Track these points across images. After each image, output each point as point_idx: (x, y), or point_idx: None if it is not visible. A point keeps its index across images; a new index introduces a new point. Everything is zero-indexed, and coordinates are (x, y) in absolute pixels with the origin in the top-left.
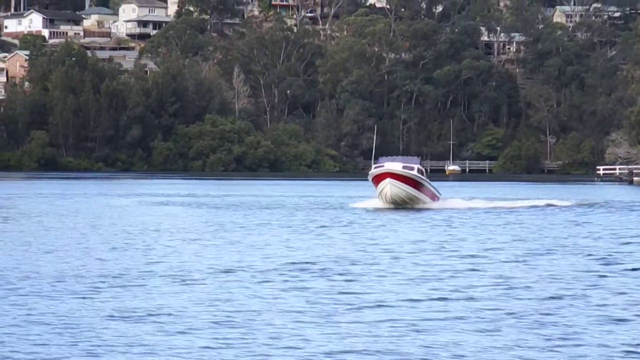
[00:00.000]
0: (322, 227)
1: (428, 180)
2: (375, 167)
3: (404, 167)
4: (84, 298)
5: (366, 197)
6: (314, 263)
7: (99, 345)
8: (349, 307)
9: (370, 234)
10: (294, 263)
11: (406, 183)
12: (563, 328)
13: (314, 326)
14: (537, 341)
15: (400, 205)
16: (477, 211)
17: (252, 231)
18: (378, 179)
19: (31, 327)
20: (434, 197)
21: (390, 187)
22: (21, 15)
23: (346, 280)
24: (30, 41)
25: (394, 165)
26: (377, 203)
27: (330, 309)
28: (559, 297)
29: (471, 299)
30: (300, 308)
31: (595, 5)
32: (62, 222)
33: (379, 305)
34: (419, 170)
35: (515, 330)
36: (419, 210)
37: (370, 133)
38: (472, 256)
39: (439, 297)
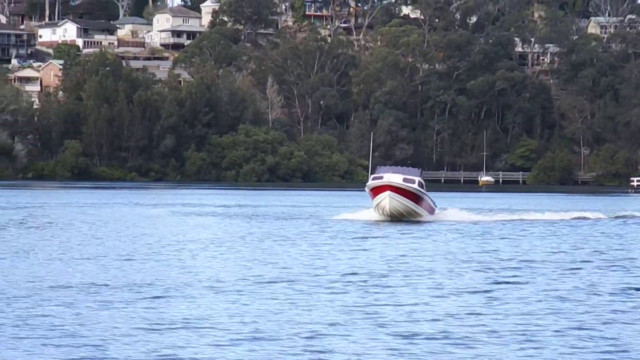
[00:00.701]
0: (363, 238)
1: (427, 193)
2: (374, 178)
3: (404, 180)
4: (117, 309)
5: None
6: (355, 274)
7: (134, 357)
8: (399, 319)
9: (397, 247)
10: (331, 274)
11: (406, 197)
12: (609, 342)
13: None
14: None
15: (397, 218)
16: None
17: (287, 242)
18: (377, 191)
19: (64, 339)
20: (432, 210)
21: (389, 200)
22: (55, 25)
23: (389, 294)
24: (64, 50)
25: (394, 177)
26: (370, 215)
27: (376, 321)
28: (602, 311)
29: (514, 312)
30: (345, 320)
31: (629, 16)
32: (95, 232)
33: (434, 320)
34: (419, 184)
35: (559, 345)
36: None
37: (404, 144)
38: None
39: (485, 310)
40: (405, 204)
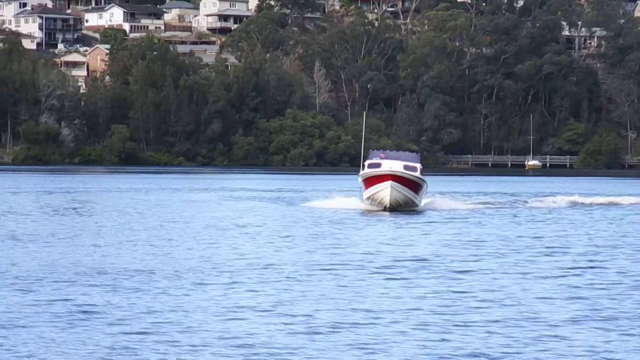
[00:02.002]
0: (428, 222)
1: (426, 180)
2: (370, 166)
3: (405, 168)
4: (174, 295)
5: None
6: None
7: (203, 343)
8: (472, 305)
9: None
10: (391, 259)
11: (408, 187)
12: None
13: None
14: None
15: (392, 210)
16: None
17: (338, 225)
18: (375, 180)
19: (121, 326)
20: (423, 198)
21: (391, 191)
22: (102, 9)
23: (455, 279)
24: (111, 35)
25: (395, 165)
26: (349, 204)
27: (443, 307)
28: None
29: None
30: (412, 306)
31: None
32: (143, 217)
33: (504, 305)
34: (420, 170)
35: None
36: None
37: (451, 127)
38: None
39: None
40: (406, 195)
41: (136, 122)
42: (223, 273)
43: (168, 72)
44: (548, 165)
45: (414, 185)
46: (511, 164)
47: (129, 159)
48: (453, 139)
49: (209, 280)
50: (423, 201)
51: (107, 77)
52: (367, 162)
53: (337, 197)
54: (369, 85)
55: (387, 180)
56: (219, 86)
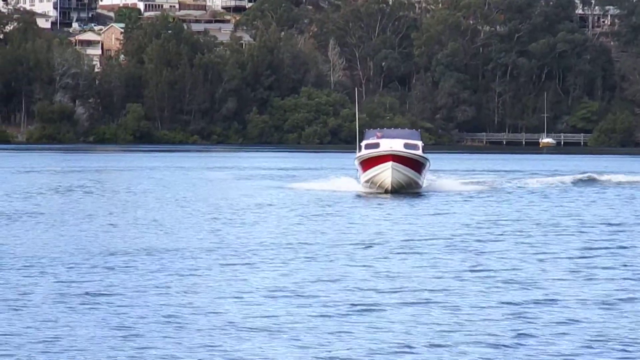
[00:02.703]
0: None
1: (428, 159)
2: (368, 146)
3: (406, 146)
4: (196, 275)
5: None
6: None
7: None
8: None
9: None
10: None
11: (410, 166)
12: None
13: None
14: None
15: (393, 192)
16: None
17: (359, 204)
18: (374, 161)
19: (127, 308)
20: (425, 178)
21: (392, 172)
22: None
23: (498, 258)
24: (125, 14)
25: (395, 143)
26: (345, 186)
27: (496, 285)
28: None
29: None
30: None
31: None
32: (159, 196)
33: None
34: (422, 148)
35: None
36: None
37: (466, 105)
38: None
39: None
40: (409, 175)
41: (151, 100)
42: (232, 255)
43: (183, 50)
44: (562, 143)
45: (417, 165)
46: (525, 142)
47: (143, 138)
48: (467, 117)
49: (220, 261)
50: (426, 181)
51: (122, 56)
52: (363, 143)
53: (333, 178)
54: (383, 64)
55: (388, 160)
56: (233, 64)
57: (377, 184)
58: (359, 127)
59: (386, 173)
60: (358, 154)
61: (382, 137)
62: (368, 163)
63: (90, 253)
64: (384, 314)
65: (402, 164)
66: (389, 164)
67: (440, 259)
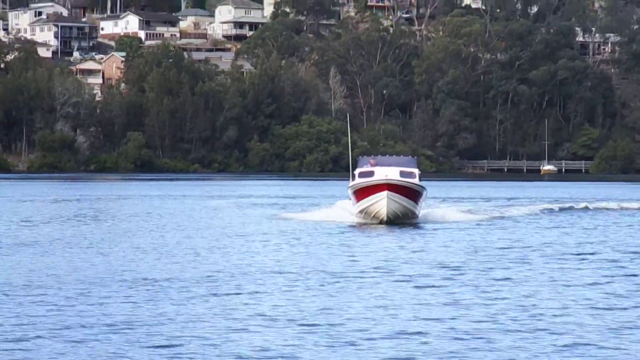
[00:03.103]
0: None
1: (425, 187)
2: (361, 175)
3: (402, 174)
4: (184, 305)
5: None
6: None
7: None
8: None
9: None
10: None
11: (406, 196)
12: None
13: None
14: None
15: (389, 222)
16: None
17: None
18: (369, 191)
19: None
20: (422, 207)
21: (387, 202)
22: (117, 17)
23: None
24: (126, 43)
25: (390, 172)
26: (335, 216)
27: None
28: None
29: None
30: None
31: None
32: (160, 224)
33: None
34: (419, 176)
35: None
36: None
37: (467, 133)
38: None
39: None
40: (405, 205)
41: (152, 129)
42: (233, 282)
43: (184, 79)
44: (563, 170)
45: (413, 194)
46: (527, 169)
47: (144, 166)
48: (468, 144)
49: (222, 290)
50: (422, 211)
51: (123, 85)
52: (357, 171)
53: (321, 208)
54: (384, 91)
55: (383, 190)
56: (234, 93)
57: (372, 215)
58: (355, 155)
59: (381, 203)
60: (351, 183)
61: (376, 164)
62: (362, 193)
63: (87, 282)
64: (388, 345)
65: (397, 193)
66: (384, 193)
67: (440, 289)
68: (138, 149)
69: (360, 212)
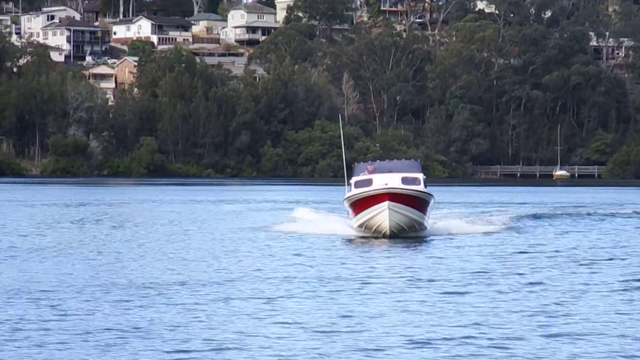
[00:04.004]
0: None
1: (432, 195)
2: (358, 184)
3: (404, 181)
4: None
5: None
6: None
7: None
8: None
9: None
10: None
11: (410, 205)
12: None
13: None
14: None
15: (393, 236)
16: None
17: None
18: (367, 202)
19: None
20: (429, 217)
21: (389, 213)
22: (130, 22)
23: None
24: (139, 47)
25: (391, 179)
26: (329, 227)
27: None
28: None
29: None
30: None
31: None
32: (173, 229)
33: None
34: (424, 181)
35: None
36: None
37: (480, 138)
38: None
39: None
40: (410, 216)
41: (164, 134)
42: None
43: (196, 84)
44: (576, 175)
45: (418, 203)
46: (539, 174)
47: (157, 171)
48: (481, 149)
49: (228, 295)
50: (430, 220)
51: (135, 89)
52: (353, 180)
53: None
54: (397, 97)
55: (384, 200)
56: (247, 98)
57: (373, 229)
58: (345, 163)
59: (382, 215)
60: (347, 194)
61: (374, 171)
62: (360, 204)
63: (99, 286)
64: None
65: (400, 203)
66: (385, 204)
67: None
68: (151, 153)
69: (360, 226)
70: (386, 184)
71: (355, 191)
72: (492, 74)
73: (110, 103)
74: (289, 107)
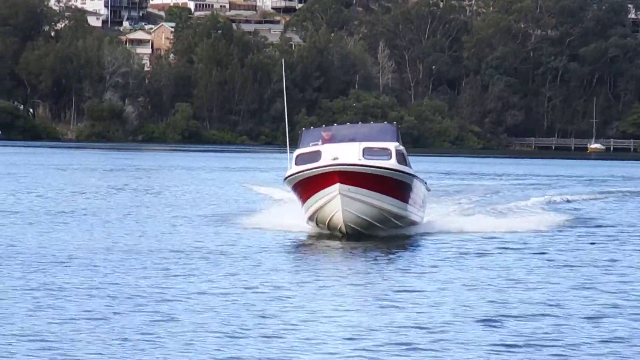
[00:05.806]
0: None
1: (416, 174)
2: (302, 158)
3: (366, 153)
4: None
5: None
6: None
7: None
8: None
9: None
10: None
11: (376, 189)
12: None
13: None
14: None
15: (359, 231)
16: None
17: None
18: (314, 184)
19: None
20: (421, 206)
21: (343, 202)
22: None
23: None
24: (176, 13)
25: (345, 150)
26: (283, 222)
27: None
28: None
29: None
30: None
31: None
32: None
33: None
34: (398, 154)
35: None
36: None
37: (515, 110)
38: None
39: None
40: (377, 205)
41: (200, 100)
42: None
43: (233, 50)
44: (612, 148)
45: (391, 186)
46: (575, 147)
47: (192, 137)
48: (516, 121)
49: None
50: (425, 212)
51: (172, 55)
52: (296, 152)
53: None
54: (433, 67)
55: (333, 182)
56: (282, 65)
57: (326, 224)
58: (287, 130)
59: (333, 204)
60: (287, 173)
61: (328, 140)
62: (304, 189)
63: (126, 252)
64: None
65: (358, 186)
66: (335, 187)
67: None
68: (186, 120)
69: (310, 218)
70: (336, 158)
71: (295, 169)
72: (528, 45)
73: (146, 69)
74: (324, 75)
